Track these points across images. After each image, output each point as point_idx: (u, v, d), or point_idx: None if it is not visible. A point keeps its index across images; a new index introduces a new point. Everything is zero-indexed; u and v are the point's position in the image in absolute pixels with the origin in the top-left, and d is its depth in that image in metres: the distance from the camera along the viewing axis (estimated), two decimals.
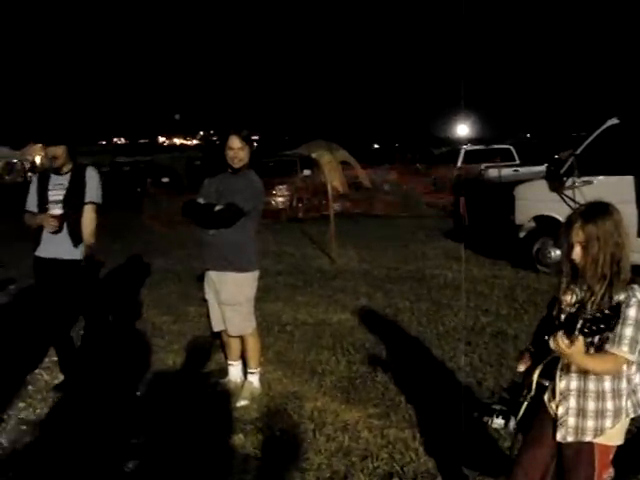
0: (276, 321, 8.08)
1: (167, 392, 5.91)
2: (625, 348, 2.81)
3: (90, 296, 5.93)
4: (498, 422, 3.22)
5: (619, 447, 3.05)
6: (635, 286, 2.90)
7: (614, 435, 2.98)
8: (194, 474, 4.47)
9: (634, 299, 2.85)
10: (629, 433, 3.15)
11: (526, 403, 3.12)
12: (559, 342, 2.73)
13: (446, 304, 8.61)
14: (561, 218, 10.04)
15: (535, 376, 3.09)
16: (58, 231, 5.74)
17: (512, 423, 3.19)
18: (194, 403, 5.60)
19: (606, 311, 2.70)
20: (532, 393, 3.10)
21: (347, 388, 5.87)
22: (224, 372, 6.14)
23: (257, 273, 5.84)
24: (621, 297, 2.86)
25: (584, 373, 2.94)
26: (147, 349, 7.17)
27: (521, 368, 3.21)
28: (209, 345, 7.02)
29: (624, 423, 3.00)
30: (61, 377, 6.14)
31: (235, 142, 5.61)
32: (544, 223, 10.41)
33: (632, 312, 2.83)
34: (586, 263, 2.93)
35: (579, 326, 2.70)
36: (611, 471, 3.14)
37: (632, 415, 2.99)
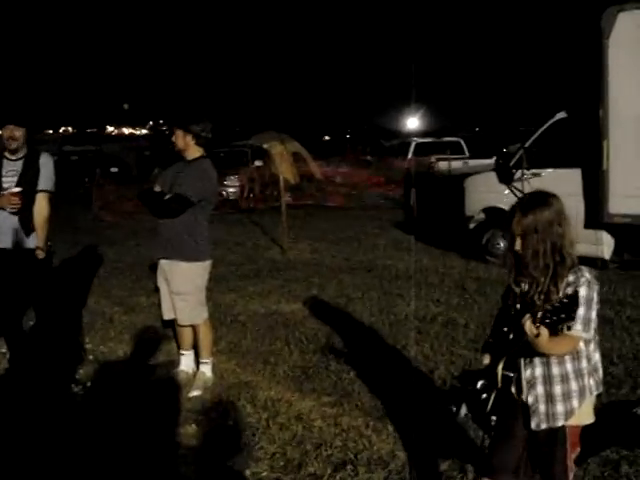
0: (228, 311, 8.06)
1: (117, 383, 5.85)
2: (579, 327, 2.86)
3: (42, 286, 5.82)
4: (451, 409, 3.27)
5: (586, 426, 3.12)
6: (582, 267, 2.97)
7: (582, 415, 3.04)
8: (146, 465, 4.44)
9: (583, 279, 2.91)
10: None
11: (493, 396, 3.14)
12: (528, 329, 2.79)
13: (397, 294, 8.69)
14: None
15: (499, 368, 3.11)
16: (20, 210, 5.59)
17: (463, 410, 3.24)
18: (145, 394, 5.56)
19: (565, 300, 2.72)
20: (499, 385, 3.11)
21: (300, 377, 5.90)
22: (176, 362, 6.10)
23: (208, 263, 5.82)
24: (570, 278, 2.92)
25: (546, 359, 2.99)
26: (98, 340, 7.10)
27: (486, 361, 3.23)
28: (160, 336, 6.97)
29: (590, 402, 3.06)
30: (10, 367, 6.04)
31: (175, 130, 5.75)
32: (493, 215, 10.56)
33: (583, 292, 2.88)
34: (527, 254, 2.97)
35: (539, 316, 2.75)
36: (577, 449, 3.20)
37: (595, 392, 3.05)
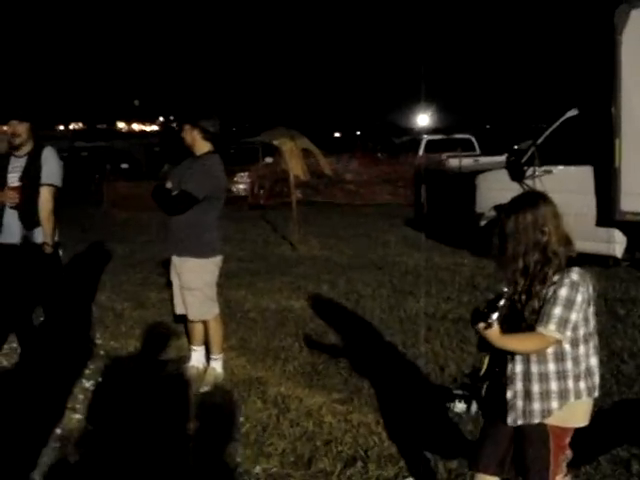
0: (239, 308, 8.07)
1: (128, 378, 5.86)
2: (552, 327, 2.85)
3: (50, 282, 5.82)
4: (460, 407, 3.26)
5: (579, 430, 3.09)
6: (574, 268, 2.95)
7: (567, 417, 3.00)
8: (157, 460, 4.45)
9: (567, 280, 2.90)
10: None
11: (485, 386, 3.18)
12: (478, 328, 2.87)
13: (408, 291, 8.67)
14: None
15: (485, 362, 3.17)
16: (19, 206, 5.58)
17: (474, 407, 3.24)
18: (156, 389, 5.57)
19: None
20: (482, 374, 3.17)
21: (310, 374, 5.89)
22: (186, 358, 6.11)
23: (219, 259, 5.82)
24: (555, 278, 2.92)
25: (527, 357, 2.98)
26: (108, 335, 7.12)
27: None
28: (171, 331, 6.98)
29: (582, 404, 3.02)
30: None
31: (183, 126, 5.78)
32: None
33: (563, 292, 2.88)
34: (507, 256, 3.00)
35: (472, 316, 2.88)
36: (568, 453, 3.19)
37: (585, 398, 3.00)
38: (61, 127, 67.33)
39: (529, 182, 9.96)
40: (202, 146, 5.74)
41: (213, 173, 5.66)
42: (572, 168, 9.63)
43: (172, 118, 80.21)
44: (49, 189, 5.71)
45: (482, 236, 10.91)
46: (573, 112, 9.92)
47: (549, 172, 9.79)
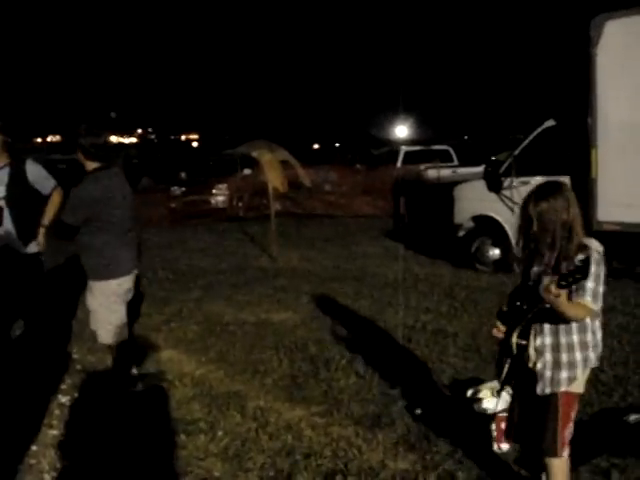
0: (217, 320, 8.02)
1: (105, 393, 5.79)
2: (589, 298, 3.17)
3: (34, 293, 5.77)
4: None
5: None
6: (594, 244, 3.30)
7: (578, 383, 3.36)
8: (134, 475, 4.40)
9: (592, 257, 3.19)
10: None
11: (508, 363, 3.40)
12: (549, 290, 3.03)
13: (387, 302, 8.65)
14: (499, 218, 10.23)
15: (514, 338, 3.36)
16: (18, 224, 5.54)
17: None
18: (133, 404, 5.50)
19: (578, 263, 3.13)
20: (514, 353, 3.37)
21: (290, 387, 5.86)
22: (163, 372, 6.06)
23: (115, 282, 5.51)
24: (580, 257, 3.19)
25: (556, 329, 3.29)
26: (85, 350, 7.04)
27: (498, 334, 3.49)
28: (148, 345, 6.92)
29: (587, 373, 3.38)
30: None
31: None
32: (482, 223, 10.57)
33: (592, 268, 3.17)
34: (539, 233, 3.32)
35: (557, 280, 3.01)
36: (571, 427, 3.40)
37: (593, 366, 3.41)
38: (38, 139, 66.93)
39: (507, 193, 10.01)
40: (87, 165, 5.52)
41: (87, 193, 5.36)
42: (549, 178, 9.67)
43: (150, 130, 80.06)
44: (59, 189, 6.04)
45: (460, 247, 10.96)
46: (550, 123, 9.99)
47: (526, 183, 9.83)
